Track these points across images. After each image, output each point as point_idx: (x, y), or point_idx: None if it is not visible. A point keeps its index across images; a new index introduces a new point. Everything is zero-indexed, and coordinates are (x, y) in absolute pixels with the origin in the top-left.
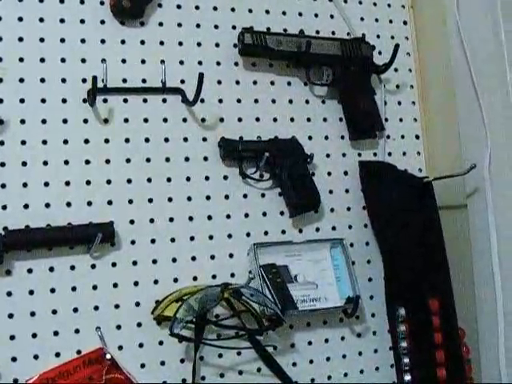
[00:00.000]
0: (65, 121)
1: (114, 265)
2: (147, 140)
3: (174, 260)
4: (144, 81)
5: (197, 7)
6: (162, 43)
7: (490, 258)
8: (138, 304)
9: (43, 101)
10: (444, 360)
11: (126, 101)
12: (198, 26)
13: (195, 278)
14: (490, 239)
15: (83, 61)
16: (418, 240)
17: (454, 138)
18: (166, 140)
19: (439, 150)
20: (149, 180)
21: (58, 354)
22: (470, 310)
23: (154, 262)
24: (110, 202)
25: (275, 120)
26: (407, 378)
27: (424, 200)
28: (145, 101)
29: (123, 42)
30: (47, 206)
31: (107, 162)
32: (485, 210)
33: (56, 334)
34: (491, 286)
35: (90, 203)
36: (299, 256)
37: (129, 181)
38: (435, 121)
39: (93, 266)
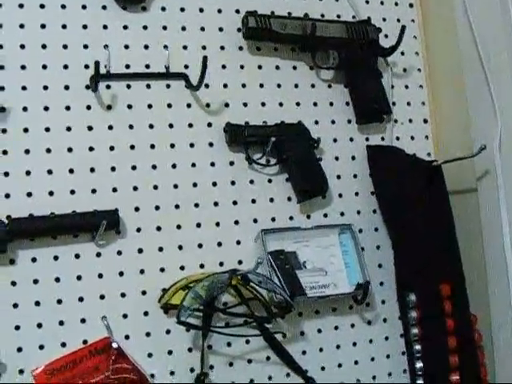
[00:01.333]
0: (68, 108)
1: (119, 253)
2: (151, 126)
3: (181, 247)
4: (147, 66)
5: None
6: (164, 28)
7: (502, 242)
8: (144, 292)
9: (45, 88)
10: (456, 346)
11: (129, 87)
12: (201, 10)
13: (202, 266)
14: (501, 222)
15: (85, 47)
16: (428, 225)
17: (463, 120)
18: (171, 126)
19: (448, 134)
20: (153, 167)
21: (63, 344)
22: (482, 294)
23: (160, 249)
24: (114, 190)
25: (281, 105)
26: (419, 365)
27: (433, 184)
28: (148, 86)
29: (125, 27)
30: (51, 194)
31: (111, 148)
32: (495, 193)
33: (61, 323)
34: (503, 270)
35: (94, 191)
36: (307, 242)
37: (133, 167)
38: (443, 104)
39: (98, 255)
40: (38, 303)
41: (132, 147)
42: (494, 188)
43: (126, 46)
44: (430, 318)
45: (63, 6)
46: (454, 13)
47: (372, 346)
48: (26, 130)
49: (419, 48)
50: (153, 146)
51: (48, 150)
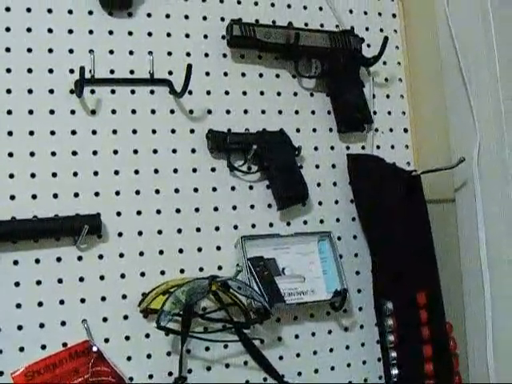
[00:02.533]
0: (52, 112)
1: (100, 257)
2: (135, 131)
3: (161, 252)
4: (132, 72)
5: None
6: (149, 34)
7: (478, 251)
8: (124, 296)
9: (30, 91)
10: (431, 354)
11: (113, 92)
12: (186, 17)
13: (182, 271)
14: (478, 232)
15: (71, 51)
16: (406, 233)
17: (443, 131)
18: (154, 131)
19: (428, 144)
20: (136, 172)
21: (43, 347)
22: (458, 303)
23: (141, 254)
24: (96, 194)
25: (263, 112)
26: (394, 371)
27: (412, 193)
28: (132, 92)
29: (111, 32)
30: (34, 197)
31: (94, 153)
32: (473, 204)
33: (42, 326)
34: (479, 280)
35: (76, 195)
36: (287, 249)
37: (116, 172)
38: (424, 114)
39: (79, 258)
40: (18, 306)
41: (115, 152)
42: (471, 199)
43: (111, 52)
44: (406, 325)
45: (49, 11)
46: (436, 24)
47: (348, 352)
48: (10, 133)
49: (401, 58)
50: (136, 152)
51: (32, 154)
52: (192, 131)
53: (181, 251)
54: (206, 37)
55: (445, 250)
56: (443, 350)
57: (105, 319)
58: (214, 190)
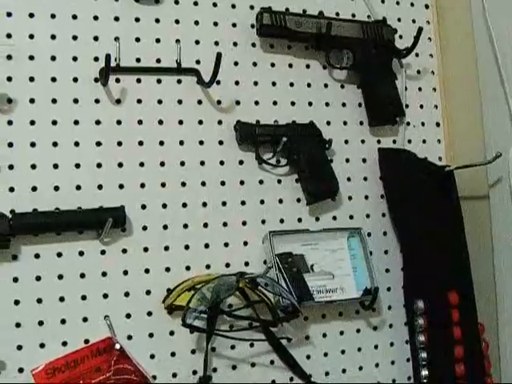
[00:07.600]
0: (75, 100)
1: (124, 251)
2: (161, 122)
3: (187, 247)
4: (158, 60)
5: None
6: (177, 22)
7: None
8: (148, 292)
9: (53, 79)
10: (463, 355)
11: (139, 81)
12: (214, 4)
13: (208, 266)
14: None
15: (96, 38)
16: (438, 231)
17: (477, 125)
18: (180, 122)
19: (460, 138)
20: (162, 164)
21: (65, 343)
22: (490, 304)
23: (166, 248)
24: (121, 186)
25: (293, 104)
26: (424, 372)
27: (445, 189)
28: (159, 81)
29: (137, 19)
30: (56, 188)
31: (119, 144)
32: (508, 201)
33: (63, 322)
34: None
35: (100, 187)
36: (316, 245)
37: (141, 164)
38: (457, 108)
39: (102, 252)
40: (39, 300)
41: (140, 143)
42: (507, 196)
43: (138, 39)
44: (437, 325)
45: None
46: (471, 14)
47: (377, 352)
48: (32, 123)
49: (434, 50)
50: (162, 143)
51: (54, 144)
52: (220, 122)
53: (207, 246)
54: (234, 25)
55: (478, 249)
56: (475, 351)
57: (128, 315)
58: (242, 183)
